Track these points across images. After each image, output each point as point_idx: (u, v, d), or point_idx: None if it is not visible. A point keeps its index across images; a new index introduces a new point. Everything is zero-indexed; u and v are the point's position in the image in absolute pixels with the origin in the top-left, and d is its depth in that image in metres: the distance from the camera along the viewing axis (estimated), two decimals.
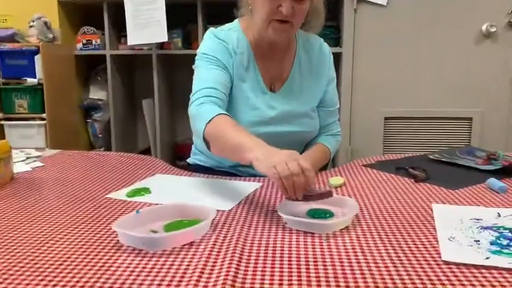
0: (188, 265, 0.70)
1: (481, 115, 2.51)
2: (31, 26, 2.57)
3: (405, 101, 2.55)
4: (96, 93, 2.91)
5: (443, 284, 0.64)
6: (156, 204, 0.98)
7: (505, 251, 0.74)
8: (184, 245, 0.77)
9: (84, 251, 0.75)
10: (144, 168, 1.31)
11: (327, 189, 0.94)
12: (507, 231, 0.82)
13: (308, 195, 0.89)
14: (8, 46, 2.50)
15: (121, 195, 1.05)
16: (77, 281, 0.66)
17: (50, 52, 2.56)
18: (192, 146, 1.48)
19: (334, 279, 0.66)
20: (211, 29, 1.31)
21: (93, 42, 2.77)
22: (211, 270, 0.69)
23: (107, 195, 1.06)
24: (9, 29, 2.62)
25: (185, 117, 1.21)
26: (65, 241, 0.80)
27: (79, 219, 0.90)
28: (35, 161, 1.38)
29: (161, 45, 2.70)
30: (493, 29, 2.40)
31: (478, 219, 0.88)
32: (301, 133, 1.33)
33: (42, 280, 0.66)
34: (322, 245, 0.78)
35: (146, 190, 1.08)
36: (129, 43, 2.58)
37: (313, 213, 0.91)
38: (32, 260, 0.72)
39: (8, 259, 0.73)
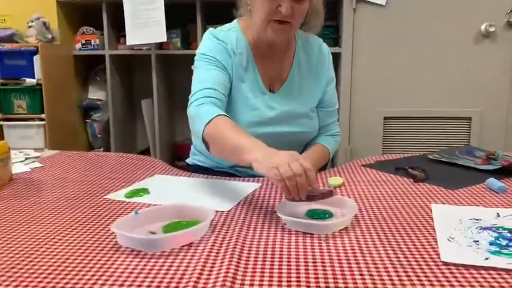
0: (187, 266, 0.70)
1: (480, 115, 2.51)
2: (30, 26, 2.57)
3: (404, 101, 2.55)
4: (95, 94, 2.91)
5: (442, 285, 0.64)
6: (155, 205, 0.97)
7: (504, 251, 0.74)
8: (183, 246, 0.77)
9: (83, 252, 0.75)
10: (143, 169, 1.31)
11: (328, 189, 0.93)
12: (506, 231, 0.82)
13: (310, 195, 0.88)
14: (7, 46, 2.50)
15: (120, 196, 1.05)
16: (76, 283, 0.66)
17: (48, 52, 2.56)
18: (191, 146, 1.48)
19: (333, 280, 0.66)
20: (210, 30, 1.31)
21: (92, 43, 2.77)
22: (210, 271, 0.68)
23: (105, 196, 1.05)
24: (8, 29, 2.62)
25: (184, 117, 1.21)
26: (63, 242, 0.79)
27: (78, 220, 0.90)
28: (33, 161, 1.38)
29: (160, 45, 2.70)
30: (492, 29, 2.40)
31: (477, 220, 0.88)
32: (301, 133, 1.33)
33: (40, 282, 0.66)
34: (321, 246, 0.77)
35: (145, 191, 1.08)
36: (128, 43, 2.58)
37: (313, 214, 0.91)
38: (31, 261, 0.72)
39: (7, 260, 0.73)
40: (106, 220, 0.90)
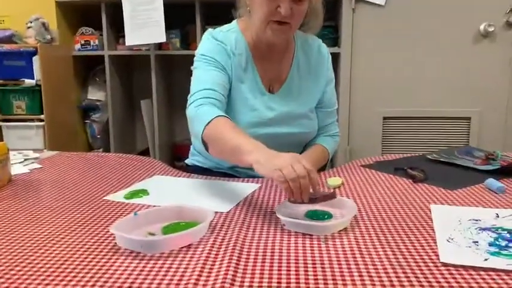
0: (186, 268, 0.70)
1: (479, 115, 2.51)
2: (29, 27, 2.57)
3: (403, 101, 2.55)
4: (94, 94, 2.91)
5: (441, 287, 0.64)
6: (154, 206, 0.97)
7: (504, 252, 0.74)
8: (182, 247, 0.77)
9: (82, 254, 0.75)
10: (142, 170, 1.31)
11: (330, 191, 0.93)
12: (505, 232, 0.82)
13: (312, 197, 0.88)
14: (6, 47, 2.50)
15: (119, 197, 1.05)
16: (75, 284, 0.66)
17: (47, 53, 2.56)
18: (191, 146, 1.48)
19: (333, 281, 0.66)
20: (210, 30, 1.30)
21: (91, 43, 2.77)
22: (209, 272, 0.68)
23: (104, 197, 1.05)
24: (7, 30, 2.62)
25: (183, 117, 1.21)
26: (62, 244, 0.79)
27: (77, 222, 0.90)
28: (33, 162, 1.38)
29: (159, 46, 2.70)
30: (491, 29, 2.40)
31: (476, 220, 0.88)
32: (300, 134, 1.33)
33: (39, 284, 0.66)
34: (320, 247, 0.77)
35: (144, 192, 1.08)
36: (127, 44, 2.58)
37: (312, 215, 0.91)
38: (30, 263, 0.72)
39: (5, 262, 0.73)
40: (105, 221, 0.90)
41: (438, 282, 0.65)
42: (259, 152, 0.93)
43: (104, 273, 0.69)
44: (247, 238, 0.82)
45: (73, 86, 2.85)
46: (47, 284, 0.66)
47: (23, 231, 0.85)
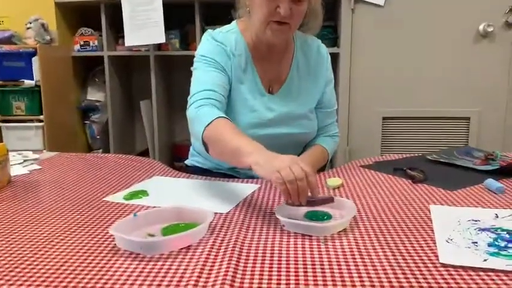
0: (186, 269, 0.70)
1: (479, 115, 2.52)
2: (28, 28, 2.57)
3: (403, 101, 2.55)
4: (93, 95, 2.91)
5: (441, 287, 0.64)
6: (154, 207, 0.97)
7: (503, 252, 0.74)
8: (181, 248, 0.77)
9: (81, 255, 0.75)
10: (142, 170, 1.31)
11: (329, 195, 0.93)
12: (505, 232, 0.82)
13: (310, 200, 0.88)
14: (5, 48, 2.50)
15: (118, 198, 1.05)
16: (74, 286, 0.66)
17: (47, 54, 2.56)
18: (190, 147, 1.48)
19: (332, 282, 0.66)
20: (209, 31, 1.30)
21: (91, 44, 2.77)
22: (209, 274, 0.68)
23: (104, 198, 1.05)
24: (6, 30, 2.62)
25: (183, 118, 1.21)
26: (62, 245, 0.79)
27: (76, 223, 0.90)
28: (32, 163, 1.38)
29: (159, 46, 2.70)
30: (490, 29, 2.40)
31: (476, 221, 0.88)
32: (300, 135, 1.33)
33: (39, 285, 0.66)
34: (320, 248, 0.77)
35: (144, 193, 1.08)
36: (126, 44, 2.58)
37: (311, 216, 0.91)
38: (29, 264, 0.72)
39: (5, 264, 0.73)
40: (105, 222, 0.90)
41: (437, 283, 0.65)
42: (259, 153, 0.93)
43: (104, 275, 0.69)
44: (247, 239, 0.82)
45: (72, 87, 2.85)
46: (47, 286, 0.66)
47: (22, 232, 0.85)
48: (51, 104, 2.56)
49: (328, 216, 0.91)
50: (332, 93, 1.40)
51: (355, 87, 2.56)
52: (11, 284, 0.66)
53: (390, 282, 0.66)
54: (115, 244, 0.79)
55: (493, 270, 0.68)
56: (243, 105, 1.26)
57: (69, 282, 0.67)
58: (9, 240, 0.82)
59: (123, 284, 0.66)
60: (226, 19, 1.36)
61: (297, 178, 0.84)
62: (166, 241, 0.78)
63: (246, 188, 1.13)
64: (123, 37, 2.60)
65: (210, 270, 0.70)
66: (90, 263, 0.73)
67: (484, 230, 0.83)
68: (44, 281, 0.67)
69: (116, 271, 0.70)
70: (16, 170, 1.29)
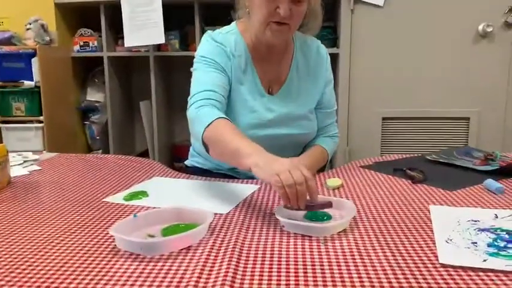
0: (186, 269, 0.70)
1: (478, 115, 2.52)
2: (28, 29, 2.57)
3: (403, 102, 2.55)
4: (93, 95, 2.91)
5: (440, 287, 0.64)
6: (154, 207, 0.97)
7: (502, 253, 0.74)
8: (181, 249, 0.77)
9: (82, 256, 0.75)
10: (141, 171, 1.31)
11: (327, 200, 0.93)
12: (504, 233, 0.82)
13: (309, 204, 0.88)
14: (5, 49, 2.50)
15: (118, 199, 1.05)
16: (74, 287, 0.66)
17: (46, 55, 2.56)
18: (190, 147, 1.48)
19: (332, 283, 0.66)
20: (209, 32, 1.31)
21: (90, 44, 2.77)
22: (209, 274, 0.69)
23: (104, 199, 1.05)
24: (6, 31, 2.62)
25: (183, 118, 1.21)
26: (62, 246, 0.79)
27: (76, 224, 0.90)
28: (32, 164, 1.38)
29: (158, 47, 2.70)
30: (489, 29, 2.41)
31: (475, 221, 0.88)
32: (300, 135, 1.33)
33: (39, 286, 0.66)
34: (320, 248, 0.77)
35: (144, 193, 1.08)
36: (126, 45, 2.58)
37: (311, 216, 0.91)
38: (29, 265, 0.72)
39: (5, 265, 0.73)
40: (105, 223, 0.90)
41: (437, 283, 0.65)
42: (259, 155, 0.93)
43: (104, 275, 0.69)
44: (247, 239, 0.82)
45: (72, 88, 2.85)
46: (47, 287, 0.66)
47: (22, 233, 0.85)
48: (50, 105, 2.56)
49: (328, 217, 0.91)
50: (332, 94, 1.40)
51: (355, 87, 2.56)
52: (12, 285, 0.66)
53: (390, 282, 0.66)
54: (115, 245, 0.79)
55: (492, 270, 0.68)
56: (243, 106, 1.26)
57: (70, 283, 0.67)
58: (9, 241, 0.82)
59: (123, 284, 0.66)
60: (225, 20, 1.37)
61: (296, 182, 0.84)
62: (167, 242, 0.78)
63: (246, 189, 1.13)
64: (122, 38, 2.60)
65: (210, 270, 0.70)
66: (90, 263, 0.73)
67: (483, 230, 0.84)
68: (44, 282, 0.67)
69: (116, 272, 0.70)
70: (16, 170, 1.29)
